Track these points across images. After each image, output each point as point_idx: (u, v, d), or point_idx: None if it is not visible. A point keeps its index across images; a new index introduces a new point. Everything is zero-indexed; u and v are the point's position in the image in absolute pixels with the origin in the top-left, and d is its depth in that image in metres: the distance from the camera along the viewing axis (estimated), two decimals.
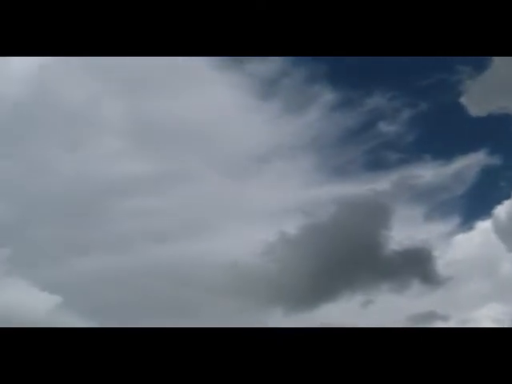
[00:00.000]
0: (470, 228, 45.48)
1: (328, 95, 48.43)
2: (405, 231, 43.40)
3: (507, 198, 43.72)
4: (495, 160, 47.20)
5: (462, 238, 45.34)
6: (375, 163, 50.40)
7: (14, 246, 38.70)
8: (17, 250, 38.60)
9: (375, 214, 42.68)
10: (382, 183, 46.08)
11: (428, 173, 47.42)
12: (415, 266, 41.80)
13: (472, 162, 47.33)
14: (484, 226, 44.68)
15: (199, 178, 45.97)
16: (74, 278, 39.09)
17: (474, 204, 48.27)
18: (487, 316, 39.22)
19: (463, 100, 44.53)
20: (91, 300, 38.36)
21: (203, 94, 48.03)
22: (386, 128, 48.90)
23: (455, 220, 46.92)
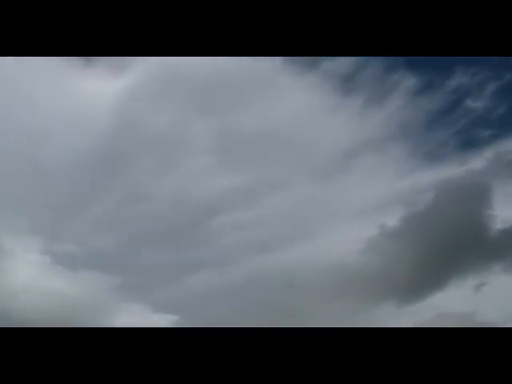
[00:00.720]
0: None
1: (408, 81, 47.72)
2: (509, 208, 41.91)
3: None
4: None
5: None
6: (467, 142, 48.87)
7: (125, 273, 40.33)
8: (128, 277, 40.18)
9: (475, 195, 41.52)
10: (478, 162, 44.62)
11: None
12: None
13: None
14: None
15: (291, 183, 46.30)
16: (186, 296, 40.25)
17: None
18: None
19: None
20: (206, 315, 39.25)
21: (282, 100, 48.41)
22: (473, 105, 47.52)
23: None
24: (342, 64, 47.21)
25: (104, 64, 46.76)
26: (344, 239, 41.24)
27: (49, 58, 43.46)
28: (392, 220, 41.27)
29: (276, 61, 44.76)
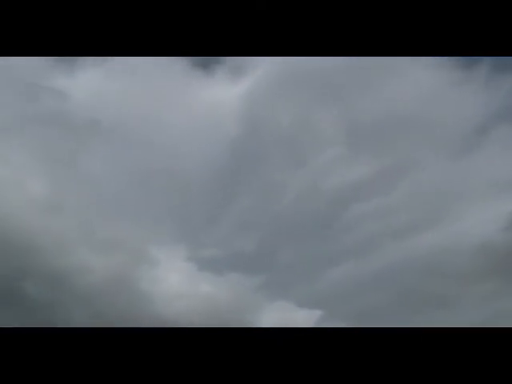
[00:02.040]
0: None
1: None
2: None
3: None
4: None
5: None
6: None
7: (268, 271, 41.59)
8: (271, 275, 41.39)
9: None
10: None
11: None
12: None
13: None
14: None
15: (424, 164, 45.53)
16: (329, 289, 40.83)
17: None
18: None
19: None
20: (350, 306, 39.64)
21: (403, 83, 47.64)
22: None
23: None
24: None
25: (220, 70, 48.24)
26: (485, 218, 39.97)
27: (167, 71, 45.48)
28: None
29: None
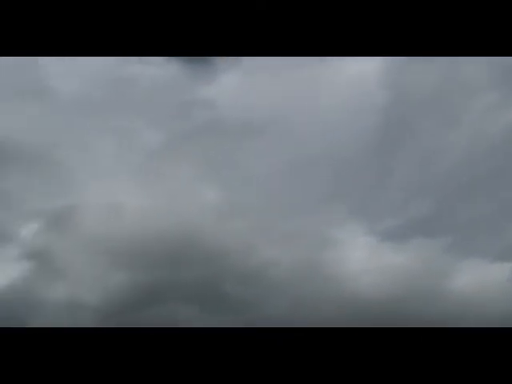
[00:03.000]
0: None
1: None
2: None
3: None
4: None
5: None
6: None
7: (451, 231, 41.23)
8: (455, 234, 41.00)
9: None
10: None
11: None
12: None
13: None
14: None
15: None
16: None
17: None
18: None
19: None
20: None
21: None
22: None
23: None
24: None
25: None
26: None
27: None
28: None
29: None
